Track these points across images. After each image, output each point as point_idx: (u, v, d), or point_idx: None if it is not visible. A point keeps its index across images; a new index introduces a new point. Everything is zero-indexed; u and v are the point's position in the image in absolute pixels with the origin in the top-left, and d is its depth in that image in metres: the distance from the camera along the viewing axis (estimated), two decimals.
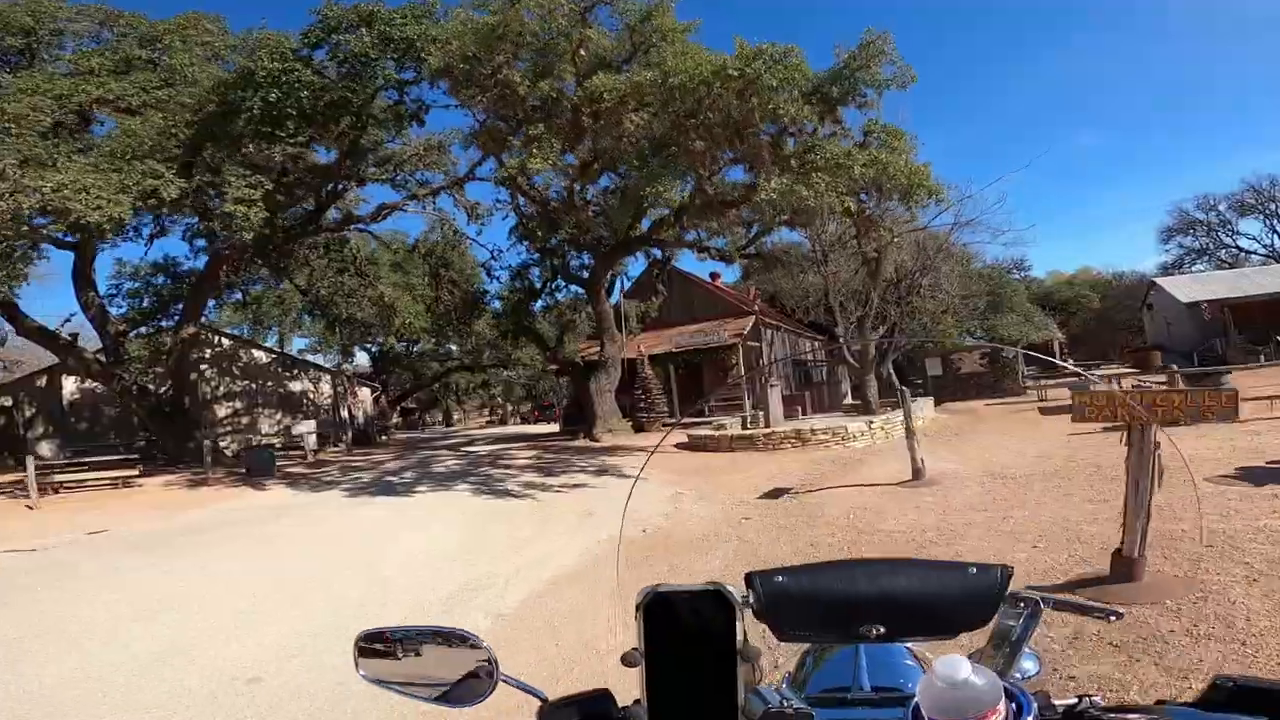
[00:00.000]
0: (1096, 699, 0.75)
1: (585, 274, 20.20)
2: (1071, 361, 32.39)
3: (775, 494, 9.27)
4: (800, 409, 20.34)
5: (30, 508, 12.45)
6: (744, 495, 9.41)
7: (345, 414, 29.53)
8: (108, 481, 16.69)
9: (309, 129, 15.42)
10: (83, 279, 19.84)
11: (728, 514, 8.33)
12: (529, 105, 12.88)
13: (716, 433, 15.06)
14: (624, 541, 7.34)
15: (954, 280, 27.50)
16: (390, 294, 25.91)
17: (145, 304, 22.56)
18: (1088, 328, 47.80)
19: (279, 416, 28.90)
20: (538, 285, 23.65)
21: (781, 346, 24.83)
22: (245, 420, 27.93)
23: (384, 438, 30.83)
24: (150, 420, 21.64)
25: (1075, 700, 0.76)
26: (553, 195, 17.53)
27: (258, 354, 29.14)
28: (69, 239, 19.39)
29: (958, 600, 0.83)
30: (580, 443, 17.96)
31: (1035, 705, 0.73)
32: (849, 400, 24.36)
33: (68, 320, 27.75)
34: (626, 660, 0.77)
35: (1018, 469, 8.93)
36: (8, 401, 24.70)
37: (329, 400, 30.26)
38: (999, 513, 6.71)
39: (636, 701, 0.80)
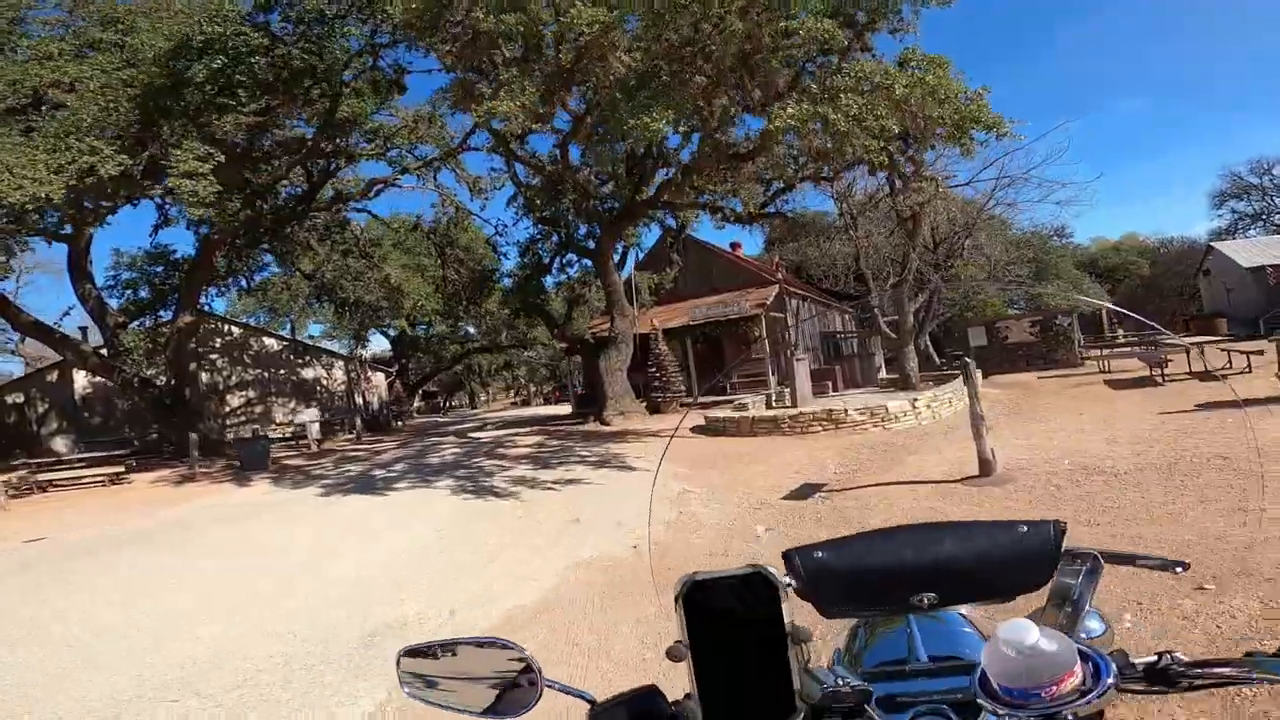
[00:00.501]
0: (1178, 654, 0.67)
1: (593, 244, 18.33)
2: (1123, 332, 29.78)
3: (804, 493, 7.40)
4: (830, 385, 18.33)
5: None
6: (765, 494, 7.56)
7: (359, 400, 28.34)
8: (100, 479, 15.66)
9: (267, 97, 13.84)
10: (79, 271, 18.80)
11: (743, 522, 6.51)
12: (505, 55, 11.00)
13: (736, 414, 13.18)
14: (601, 566, 5.63)
15: (996, 245, 25.07)
16: (397, 275, 24.55)
17: (142, 295, 21.38)
18: (1135, 295, 44.66)
19: (292, 404, 27.86)
20: (546, 260, 21.91)
21: (809, 318, 22.70)
22: (259, 409, 26.93)
23: (399, 423, 29.60)
24: (152, 413, 20.67)
25: (1155, 658, 0.68)
26: (548, 159, 15.68)
27: (269, 342, 28.09)
28: (46, 228, 18.35)
29: (1012, 561, 0.76)
30: (589, 426, 16.27)
31: (1114, 666, 0.65)
32: (883, 375, 22.20)
33: (66, 314, 27.05)
34: (672, 654, 0.73)
35: (1114, 460, 6.90)
36: (19, 398, 23.96)
37: (342, 387, 29.13)
38: (1117, 528, 4.77)
39: (687, 696, 0.76)
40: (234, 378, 26.79)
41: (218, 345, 26.69)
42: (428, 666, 0.93)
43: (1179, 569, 0.93)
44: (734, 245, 26.98)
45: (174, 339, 19.74)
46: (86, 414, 24.52)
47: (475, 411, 41.53)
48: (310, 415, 20.31)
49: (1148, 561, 0.98)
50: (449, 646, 0.93)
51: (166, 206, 20.32)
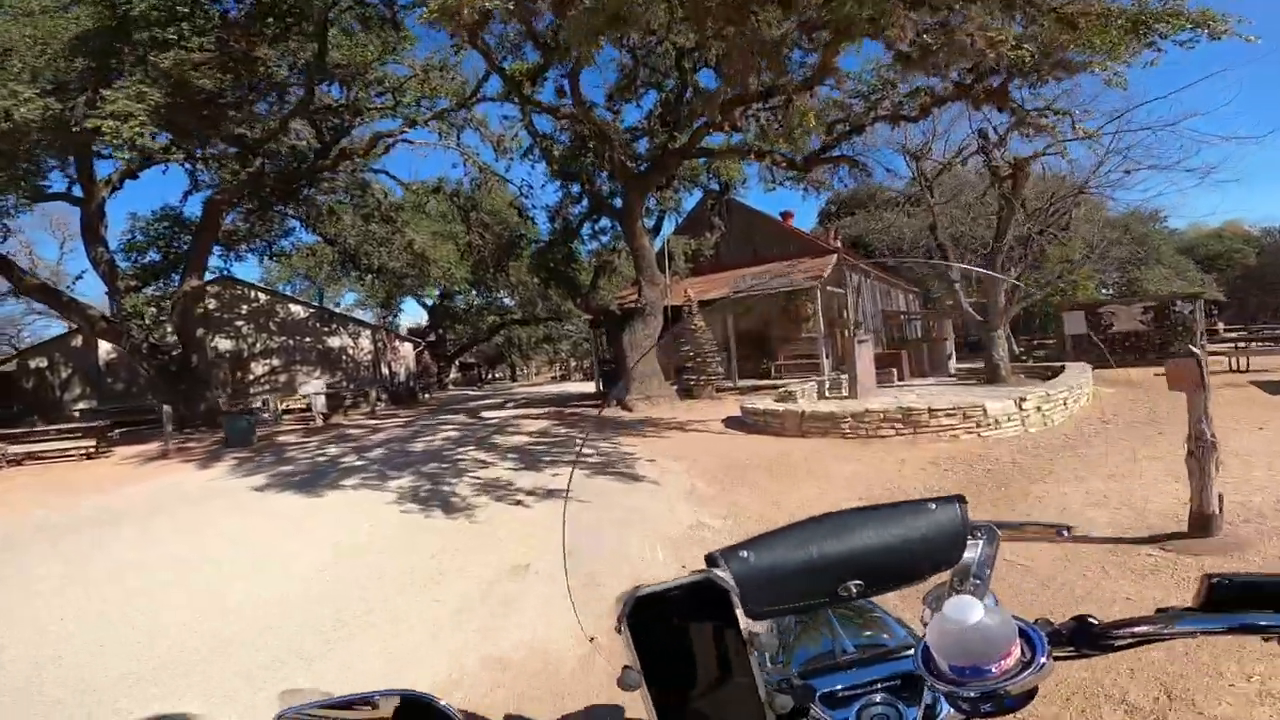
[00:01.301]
0: (1094, 617, 0.68)
1: (620, 204, 15.56)
2: (1222, 325, 25.51)
3: None
4: (895, 373, 15.18)
5: None
6: None
7: (385, 370, 26.56)
8: (80, 451, 14.10)
9: (221, 33, 11.56)
10: (91, 234, 17.41)
11: None
12: None
13: (782, 406, 10.33)
14: (526, 671, 3.08)
15: (1094, 225, 21.16)
16: (421, 241, 22.42)
17: (152, 258, 19.80)
18: (1236, 286, 39.32)
19: (317, 374, 26.25)
20: (575, 224, 19.29)
21: (870, 297, 19.44)
22: (283, 378, 25.44)
23: (426, 395, 27.75)
24: (160, 380, 19.19)
25: (1074, 622, 0.68)
26: (566, 104, 12.97)
27: (295, 309, 26.50)
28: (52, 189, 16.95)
29: (927, 541, 0.76)
30: (607, 412, 13.68)
31: (1045, 636, 0.65)
32: (956, 364, 18.80)
33: (79, 278, 25.93)
34: (623, 683, 0.67)
35: None
36: (43, 362, 22.96)
37: (369, 356, 27.40)
38: None
39: None
40: (258, 345, 25.33)
41: (243, 311, 25.24)
42: None
43: (1064, 533, 0.93)
44: (784, 215, 23.75)
45: (179, 304, 18.18)
46: (110, 380, 23.39)
47: (512, 385, 39.51)
48: (315, 387, 18.36)
49: (1037, 528, 0.98)
50: (339, 704, 0.74)
51: (196, 172, 18.68)
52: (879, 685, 0.80)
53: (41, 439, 14.40)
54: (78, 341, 23.14)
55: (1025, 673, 0.61)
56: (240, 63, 12.18)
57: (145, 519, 7.30)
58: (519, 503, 6.52)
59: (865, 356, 12.29)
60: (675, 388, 14.77)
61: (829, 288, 15.27)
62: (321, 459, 10.78)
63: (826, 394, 13.12)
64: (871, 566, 0.75)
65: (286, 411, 20.70)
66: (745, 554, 0.75)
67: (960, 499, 0.78)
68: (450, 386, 36.55)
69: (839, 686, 0.82)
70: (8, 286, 20.35)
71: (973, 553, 0.83)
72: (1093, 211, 20.46)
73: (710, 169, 18.56)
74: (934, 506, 0.78)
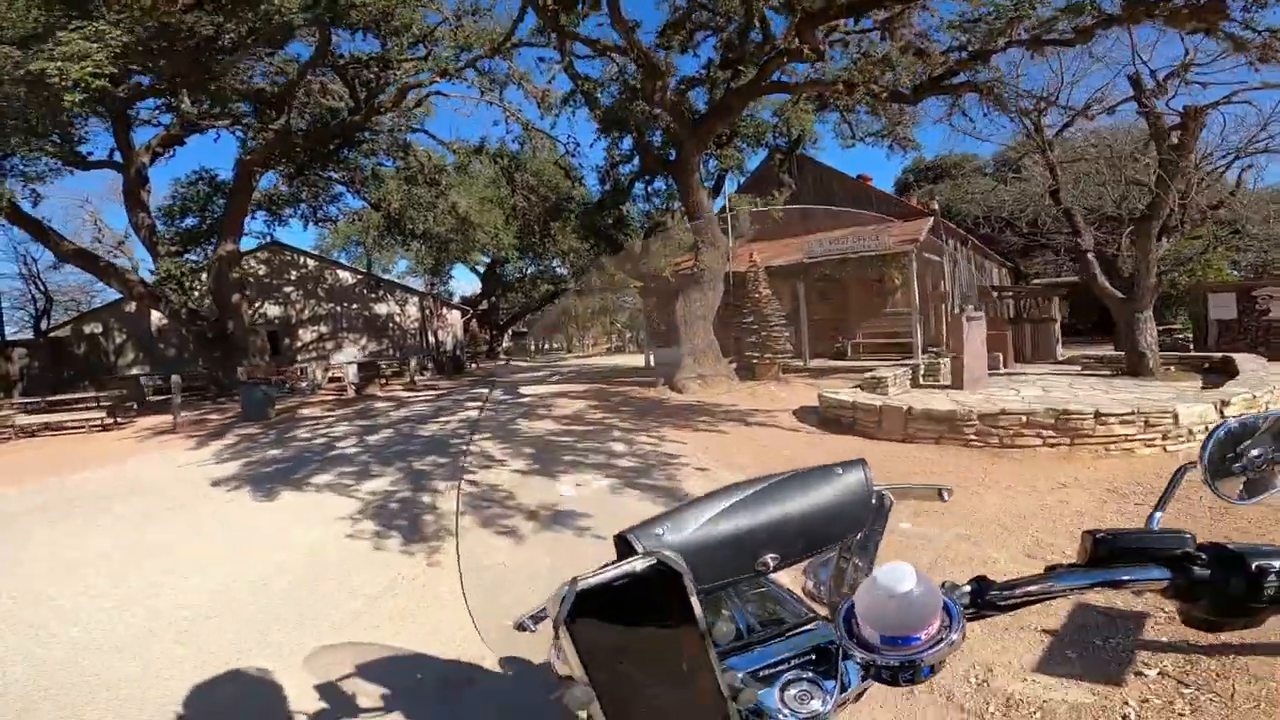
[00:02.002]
0: (989, 579, 0.68)
1: (675, 155, 13.18)
2: None
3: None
4: (1001, 358, 12.41)
5: None
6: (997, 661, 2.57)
7: (431, 339, 25.26)
8: (90, 423, 13.17)
9: None
10: (133, 199, 16.63)
11: None
12: None
13: (876, 400, 7.92)
14: None
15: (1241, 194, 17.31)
16: (466, 204, 20.72)
17: (189, 223, 18.81)
18: None
19: (364, 341, 25.27)
20: (625, 184, 17.08)
21: (966, 269, 16.45)
22: (330, 345, 24.50)
23: (474, 365, 26.41)
24: (198, 348, 18.44)
25: (971, 585, 0.67)
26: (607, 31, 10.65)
27: (343, 275, 25.42)
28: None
29: (836, 507, 0.74)
30: (655, 391, 11.58)
31: (959, 605, 0.64)
32: (1064, 350, 15.67)
33: (121, 243, 25.40)
34: (570, 701, 0.57)
35: None
36: (97, 328, 22.61)
37: (415, 324, 26.17)
38: None
39: None
40: (306, 311, 24.41)
41: (292, 277, 24.33)
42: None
43: (945, 495, 0.92)
44: (862, 178, 20.73)
45: (214, 268, 17.16)
46: (161, 345, 22.90)
47: (565, 356, 37.88)
48: (347, 356, 17.01)
49: (922, 491, 0.95)
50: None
51: (248, 140, 17.51)
52: (794, 660, 0.75)
53: (58, 409, 13.51)
54: (131, 307, 22.70)
55: (943, 643, 0.59)
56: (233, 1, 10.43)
57: (71, 516, 5.76)
58: (509, 531, 4.51)
59: (976, 338, 9.69)
60: (734, 366, 12.50)
61: (925, 254, 12.50)
62: (319, 442, 9.16)
63: (921, 380, 10.59)
64: (787, 537, 0.72)
65: (332, 380, 19.54)
66: (660, 531, 0.70)
67: (862, 462, 0.76)
68: (502, 356, 35.28)
69: (757, 665, 0.75)
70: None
71: (870, 516, 0.79)
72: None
73: (779, 124, 15.95)
74: (841, 471, 0.76)
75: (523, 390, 14.43)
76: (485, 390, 15.19)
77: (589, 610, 0.54)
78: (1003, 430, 6.35)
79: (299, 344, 23.99)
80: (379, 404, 14.10)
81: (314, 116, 16.65)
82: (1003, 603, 0.67)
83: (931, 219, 12.99)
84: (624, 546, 0.69)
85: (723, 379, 11.74)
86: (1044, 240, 21.56)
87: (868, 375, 9.71)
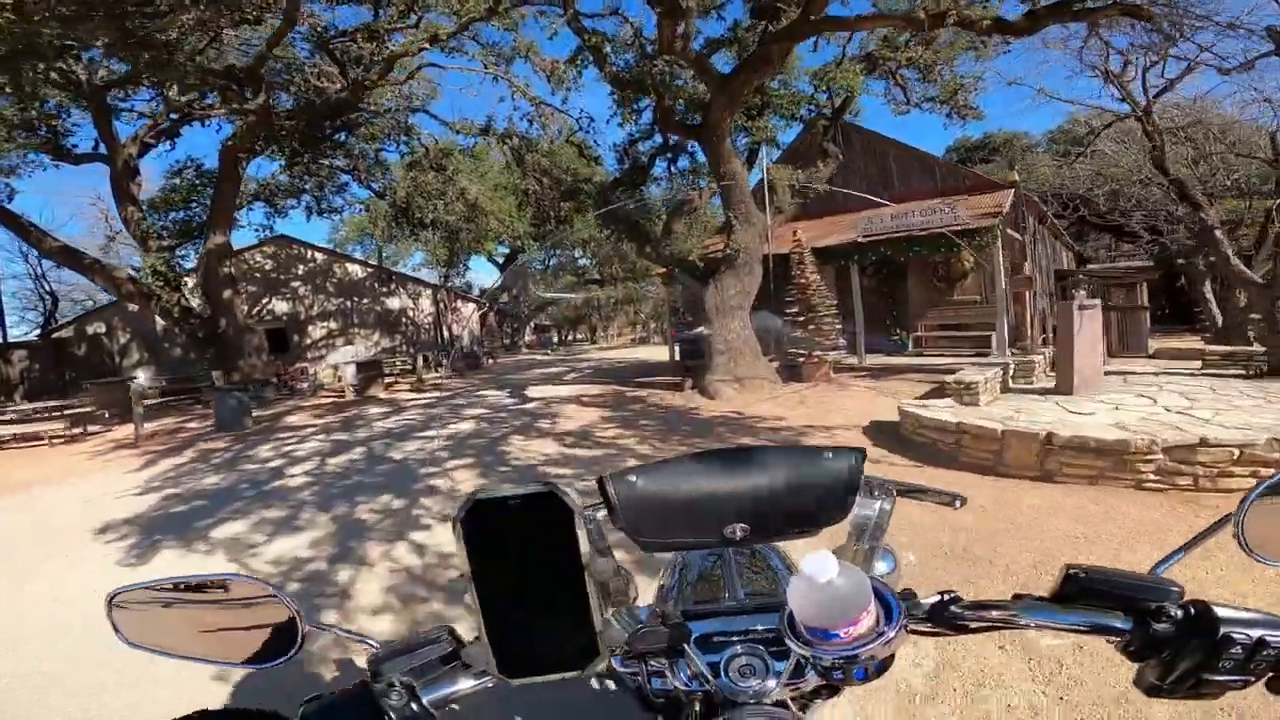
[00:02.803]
0: (959, 596, 0.65)
1: (699, 119, 11.03)
2: None
3: None
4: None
5: None
6: None
7: (445, 333, 23.57)
8: (54, 436, 11.72)
9: None
10: (121, 192, 15.24)
11: None
12: None
13: (983, 421, 5.76)
14: None
15: None
16: (475, 190, 18.92)
17: (182, 215, 17.32)
18: None
19: (376, 336, 23.70)
20: (645, 161, 15.01)
21: (1047, 253, 13.98)
22: (340, 341, 22.98)
23: (490, 360, 24.68)
24: (193, 348, 17.04)
25: (938, 598, 0.65)
26: None
27: (353, 268, 23.84)
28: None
29: (819, 490, 0.71)
30: (682, 397, 9.55)
31: (903, 606, 0.62)
32: (1157, 341, 13.19)
33: (111, 239, 24.06)
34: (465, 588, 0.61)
35: None
36: (100, 327, 21.33)
37: (429, 319, 24.51)
38: None
39: (476, 639, 0.63)
40: (315, 307, 22.88)
41: (300, 272, 22.82)
42: (152, 611, 0.70)
43: (958, 503, 0.91)
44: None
45: (203, 263, 15.69)
46: (166, 345, 21.57)
47: (588, 348, 35.96)
48: (344, 355, 15.35)
49: (935, 496, 0.92)
50: (177, 586, 0.71)
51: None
52: (752, 635, 0.73)
53: (34, 419, 12.03)
54: (135, 305, 21.43)
55: (873, 642, 0.57)
56: None
57: None
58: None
59: (1089, 331, 7.44)
60: (776, 365, 10.39)
61: (1009, 232, 10.11)
62: (272, 466, 7.37)
63: (1012, 383, 8.37)
64: (759, 510, 0.70)
65: (341, 378, 17.91)
66: (634, 479, 0.71)
67: (860, 451, 0.73)
68: (524, 349, 33.59)
69: (714, 631, 0.74)
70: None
71: (868, 510, 0.78)
72: None
73: (820, 88, 13.68)
74: (830, 455, 0.73)
75: (531, 392, 12.53)
76: (494, 392, 13.32)
77: (484, 518, 0.57)
78: (1202, 468, 4.18)
79: (308, 341, 22.51)
80: (373, 409, 12.35)
81: (299, 96, 14.95)
82: (962, 622, 0.63)
83: (1012, 191, 10.64)
84: (601, 486, 0.70)
85: (763, 381, 9.65)
86: (1123, 222, 18.90)
87: (952, 379, 7.52)
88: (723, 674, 0.69)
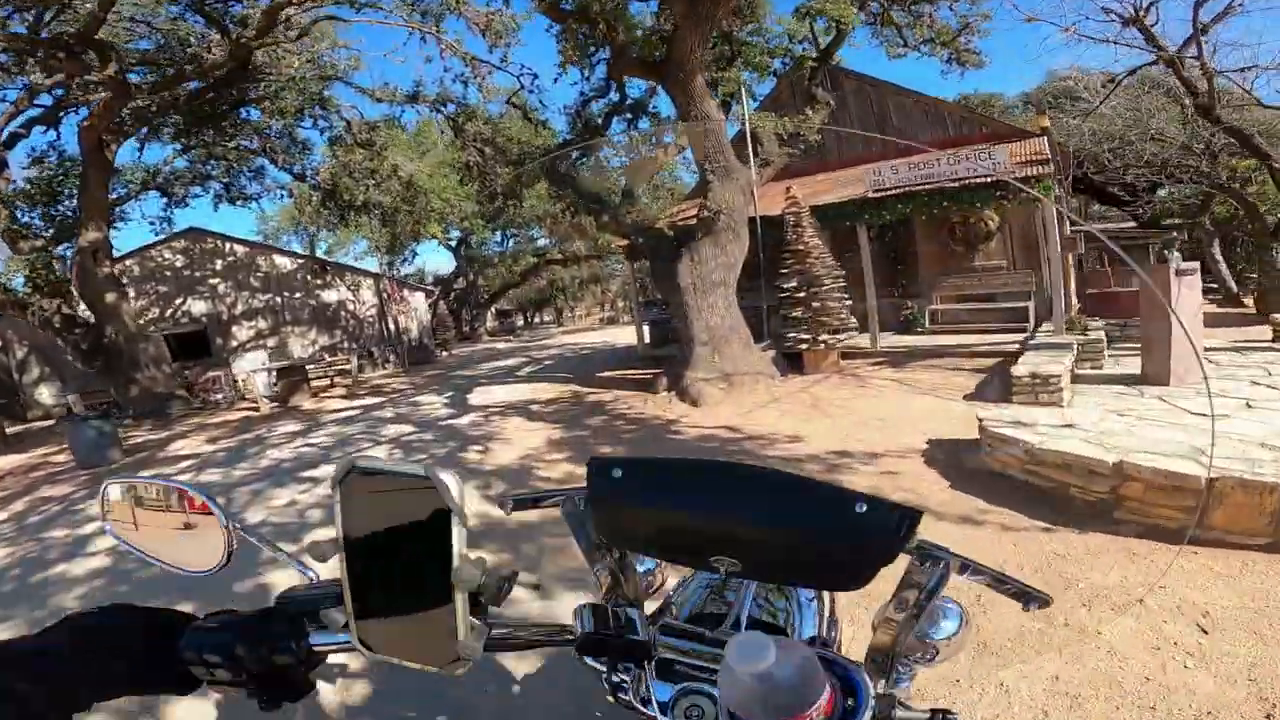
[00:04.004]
0: (955, 716, 0.56)
1: (659, 56, 8.59)
2: None
3: None
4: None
5: None
6: None
7: (391, 326, 20.86)
8: None
9: None
10: None
11: None
12: None
13: (1140, 461, 3.67)
14: None
15: None
16: (409, 167, 16.29)
17: (53, 211, 14.27)
18: None
19: (312, 334, 20.86)
20: (599, 120, 12.64)
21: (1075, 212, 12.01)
22: (271, 342, 20.07)
23: (444, 353, 22.16)
24: (80, 360, 14.30)
25: (927, 713, 0.57)
26: None
27: (281, 260, 20.86)
28: None
29: (834, 544, 0.57)
30: (653, 404, 7.31)
31: (871, 692, 0.55)
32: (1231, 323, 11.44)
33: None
34: (313, 553, 0.59)
35: None
36: None
37: (373, 311, 21.74)
38: None
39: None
40: (239, 305, 19.91)
41: (218, 268, 19.76)
42: (128, 504, 0.76)
43: (1035, 605, 0.67)
44: None
45: (76, 263, 12.96)
46: (70, 358, 18.34)
47: (554, 332, 33.39)
48: (252, 363, 12.73)
49: (1007, 587, 0.68)
50: (155, 485, 0.76)
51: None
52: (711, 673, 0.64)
53: None
54: (11, 313, 18.15)
55: None
56: None
57: None
58: None
59: (1190, 304, 5.45)
60: (769, 352, 8.21)
61: (1053, 176, 7.92)
62: (90, 529, 4.95)
63: (1076, 368, 6.34)
64: (758, 549, 0.59)
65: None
66: (618, 472, 0.62)
67: (909, 513, 0.56)
68: (485, 336, 31.01)
69: (679, 659, 0.67)
70: None
71: (920, 577, 0.63)
72: None
73: (804, 26, 11.44)
74: (864, 507, 0.56)
75: (474, 398, 10.19)
76: (431, 398, 10.91)
77: (362, 485, 0.55)
78: None
79: (234, 343, 19.58)
80: (285, 427, 9.92)
81: (161, 64, 12.15)
82: None
83: (1044, 138, 8.56)
84: (588, 468, 0.64)
85: (758, 377, 7.46)
86: (1105, 181, 17.13)
87: (1025, 374, 5.43)
88: (669, 712, 0.61)
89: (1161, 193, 19.60)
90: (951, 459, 4.34)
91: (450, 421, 8.32)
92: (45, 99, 12.68)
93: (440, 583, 0.53)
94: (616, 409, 7.47)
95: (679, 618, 0.82)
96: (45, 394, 17.96)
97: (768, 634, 0.50)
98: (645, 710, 0.62)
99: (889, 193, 8.14)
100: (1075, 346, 6.50)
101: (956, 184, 7.52)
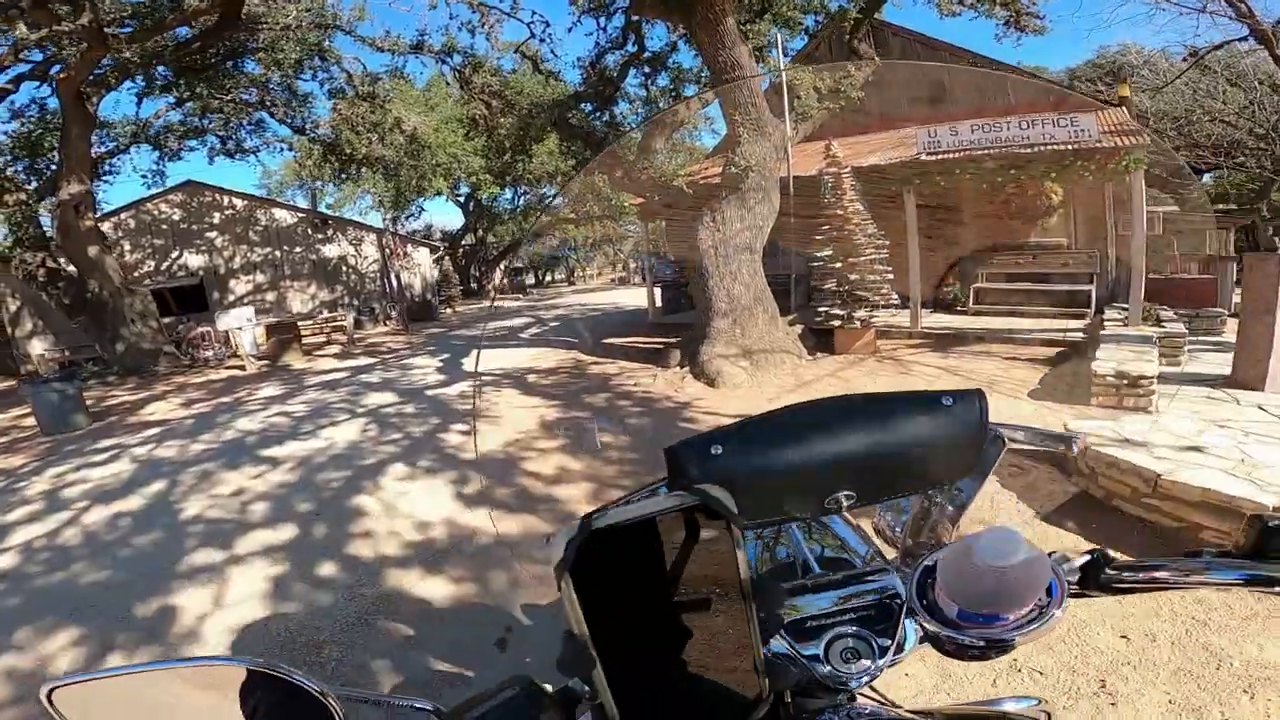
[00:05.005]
0: (1110, 553, 0.55)
1: None
2: None
3: None
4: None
5: None
6: None
7: (394, 283, 20.00)
8: None
9: None
10: None
11: None
12: None
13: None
14: None
15: None
16: (413, 120, 15.31)
17: (38, 164, 13.36)
18: None
19: (312, 289, 20.12)
20: (615, 73, 11.59)
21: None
22: (270, 297, 19.35)
23: (448, 311, 21.35)
24: (68, 315, 13.72)
25: (1088, 557, 0.55)
26: None
27: (280, 214, 19.99)
28: None
29: (939, 442, 0.56)
30: (666, 382, 6.47)
31: (1064, 582, 0.52)
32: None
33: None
34: (566, 666, 0.50)
35: None
36: None
37: (375, 266, 20.92)
38: None
39: (586, 697, 0.51)
40: (237, 259, 19.13)
41: (215, 221, 18.91)
42: (112, 706, 0.49)
43: (1075, 446, 0.77)
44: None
45: (58, 216, 12.27)
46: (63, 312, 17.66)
47: (564, 292, 32.34)
48: (236, 319, 11.94)
49: (1047, 439, 0.72)
50: (141, 673, 0.49)
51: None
52: (850, 614, 0.62)
53: None
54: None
55: (1035, 625, 0.49)
56: None
57: None
58: None
59: None
60: (800, 329, 7.31)
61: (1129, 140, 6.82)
62: (18, 514, 4.26)
63: (1165, 361, 5.41)
64: (869, 474, 0.56)
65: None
66: (717, 450, 0.55)
67: (980, 394, 0.57)
68: (493, 294, 30.22)
69: (807, 615, 0.63)
70: None
71: (983, 460, 0.62)
72: None
73: None
74: (950, 402, 0.57)
75: (467, 362, 9.44)
76: (426, 360, 10.14)
77: (595, 553, 0.46)
78: None
79: (231, 297, 18.86)
80: (268, 389, 9.27)
81: (141, 13, 11.11)
82: (1119, 584, 0.54)
83: (1123, 108, 7.46)
84: (672, 462, 0.55)
85: (784, 356, 6.59)
86: (1224, 164, 15.77)
87: (1109, 373, 4.52)
88: (824, 659, 0.59)
89: (1206, 179, 18.31)
90: (1030, 478, 3.49)
91: (438, 391, 7.54)
92: (37, 55, 11.79)
93: (730, 614, 0.51)
94: (622, 385, 6.64)
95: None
96: (38, 347, 17.32)
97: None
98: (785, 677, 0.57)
99: (949, 154, 7.09)
100: (1155, 338, 5.57)
101: (1030, 150, 6.47)
